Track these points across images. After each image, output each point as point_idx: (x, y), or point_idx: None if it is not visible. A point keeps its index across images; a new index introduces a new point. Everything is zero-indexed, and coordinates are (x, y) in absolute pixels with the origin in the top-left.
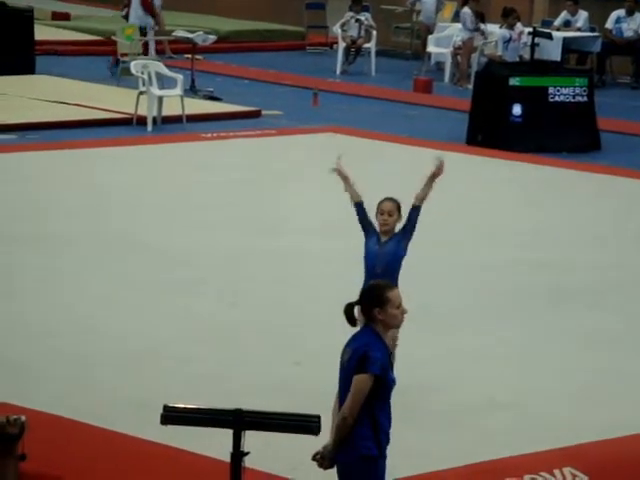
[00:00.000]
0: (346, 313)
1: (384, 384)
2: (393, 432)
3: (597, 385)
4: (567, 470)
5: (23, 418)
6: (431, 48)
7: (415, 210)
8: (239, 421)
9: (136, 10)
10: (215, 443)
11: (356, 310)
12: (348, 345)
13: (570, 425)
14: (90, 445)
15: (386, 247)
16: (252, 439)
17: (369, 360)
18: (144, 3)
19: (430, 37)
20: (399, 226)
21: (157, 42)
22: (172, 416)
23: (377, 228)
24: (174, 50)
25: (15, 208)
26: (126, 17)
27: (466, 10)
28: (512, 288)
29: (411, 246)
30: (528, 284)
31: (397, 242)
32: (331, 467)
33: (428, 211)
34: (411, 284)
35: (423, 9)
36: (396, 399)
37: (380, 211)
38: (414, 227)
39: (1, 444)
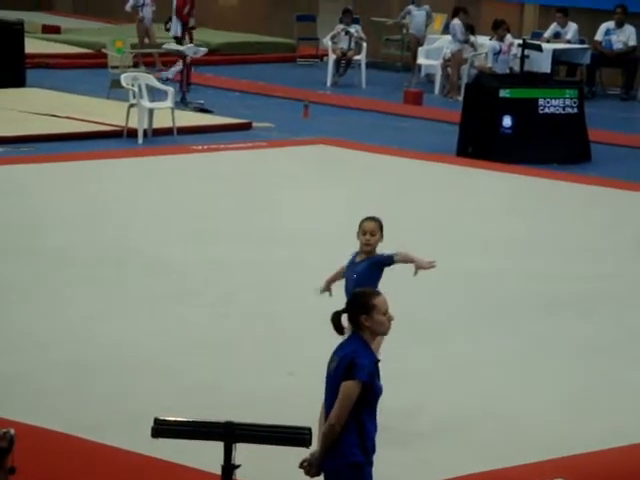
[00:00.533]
0: (333, 321)
1: (371, 391)
2: (381, 441)
3: (589, 395)
4: None
5: (12, 431)
6: (421, 60)
7: (392, 261)
8: (230, 434)
9: (175, 24)
10: (206, 456)
11: (344, 318)
12: (335, 353)
13: (561, 436)
14: (80, 458)
15: (357, 267)
16: (245, 451)
17: (356, 367)
18: (179, 14)
19: (420, 49)
20: (385, 251)
21: (148, 55)
22: (163, 429)
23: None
24: (165, 63)
25: (7, 220)
26: (169, 30)
27: (456, 22)
28: (502, 298)
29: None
30: (517, 294)
31: (368, 266)
32: (318, 475)
33: (419, 222)
34: (398, 293)
35: (413, 22)
36: (386, 408)
37: (362, 231)
38: (383, 266)
39: None
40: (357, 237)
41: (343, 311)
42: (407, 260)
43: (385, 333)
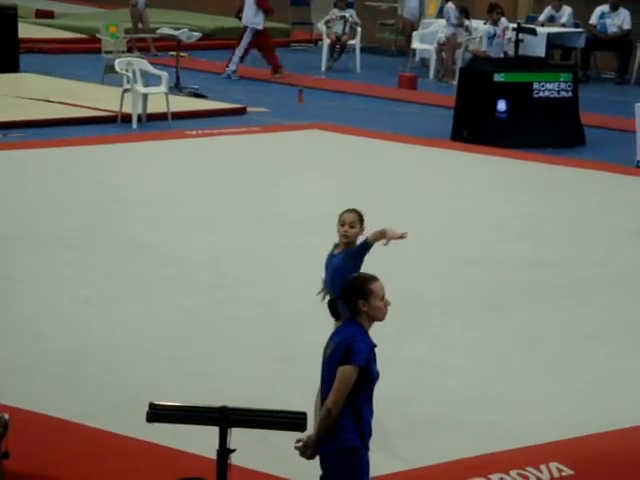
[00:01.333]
0: (330, 307)
1: (368, 376)
2: (378, 426)
3: (585, 381)
4: (553, 465)
5: (6, 416)
6: (416, 44)
7: (367, 245)
8: (225, 418)
9: (247, 11)
10: (202, 440)
11: (340, 304)
12: (331, 339)
13: (557, 420)
14: (75, 443)
15: (335, 259)
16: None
17: (354, 352)
18: (260, 2)
19: (415, 33)
20: (360, 239)
21: (141, 40)
22: (158, 414)
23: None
24: (159, 48)
25: (0, 207)
26: (240, 19)
27: (450, 5)
28: (496, 284)
29: (395, 242)
30: (512, 280)
31: (343, 258)
32: (312, 457)
33: (413, 206)
34: (394, 278)
35: (407, 6)
36: (383, 391)
37: (341, 222)
38: (360, 256)
39: None
40: (337, 229)
41: (339, 296)
42: (378, 236)
43: (382, 319)
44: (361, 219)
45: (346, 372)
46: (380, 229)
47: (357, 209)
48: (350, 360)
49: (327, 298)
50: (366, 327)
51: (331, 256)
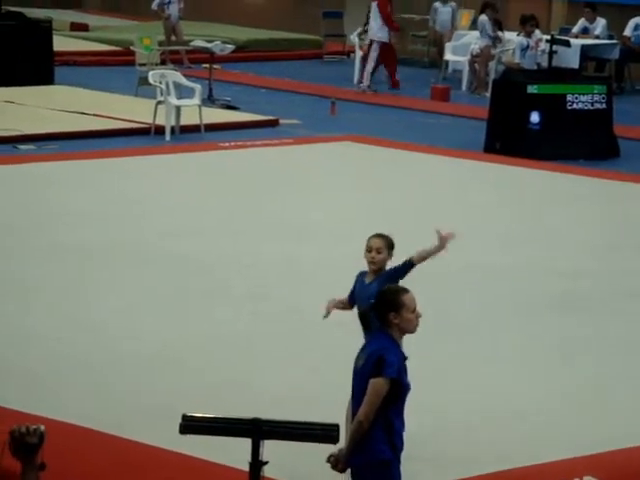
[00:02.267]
0: (361, 318)
1: (399, 388)
2: (412, 438)
3: (618, 393)
4: (587, 479)
5: (42, 427)
6: (448, 56)
7: (410, 264)
8: (257, 430)
9: (373, 25)
10: (234, 452)
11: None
12: (362, 350)
13: (590, 433)
14: (108, 454)
15: (370, 289)
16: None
17: (385, 363)
18: (388, 21)
19: (447, 45)
20: (390, 265)
21: (174, 52)
22: (191, 425)
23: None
24: (192, 60)
25: (33, 218)
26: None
27: (483, 18)
28: (525, 295)
29: (421, 248)
30: (540, 291)
31: (377, 285)
32: (344, 471)
33: (446, 218)
34: (420, 289)
35: (438, 19)
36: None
37: (368, 248)
38: (400, 277)
39: (21, 454)
40: (364, 254)
41: (371, 308)
42: (425, 255)
43: (413, 331)
44: (390, 245)
45: (377, 384)
46: (426, 248)
47: (386, 234)
48: (381, 372)
49: (329, 315)
50: (397, 339)
51: (363, 286)
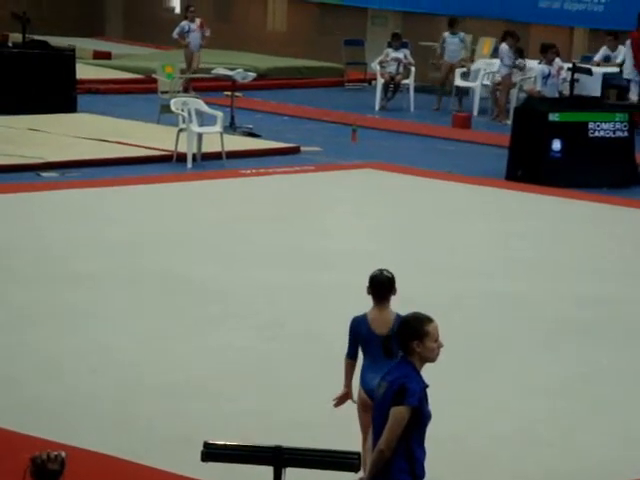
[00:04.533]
0: (384, 345)
1: (421, 416)
2: (431, 466)
3: (637, 424)
4: None
5: (63, 454)
6: (458, 82)
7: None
8: (279, 458)
9: (627, 64)
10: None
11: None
12: (383, 378)
13: (611, 462)
14: None
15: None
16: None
17: (407, 392)
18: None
19: (457, 70)
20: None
21: (196, 79)
22: (213, 453)
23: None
24: (214, 88)
25: (56, 246)
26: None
27: (504, 46)
28: (546, 322)
29: (444, 277)
30: (562, 318)
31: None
32: None
33: (467, 245)
34: (449, 315)
35: (447, 49)
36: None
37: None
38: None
39: None
40: (367, 291)
41: (394, 335)
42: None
43: (434, 360)
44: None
45: (398, 413)
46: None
47: (387, 272)
48: (403, 401)
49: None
50: (418, 367)
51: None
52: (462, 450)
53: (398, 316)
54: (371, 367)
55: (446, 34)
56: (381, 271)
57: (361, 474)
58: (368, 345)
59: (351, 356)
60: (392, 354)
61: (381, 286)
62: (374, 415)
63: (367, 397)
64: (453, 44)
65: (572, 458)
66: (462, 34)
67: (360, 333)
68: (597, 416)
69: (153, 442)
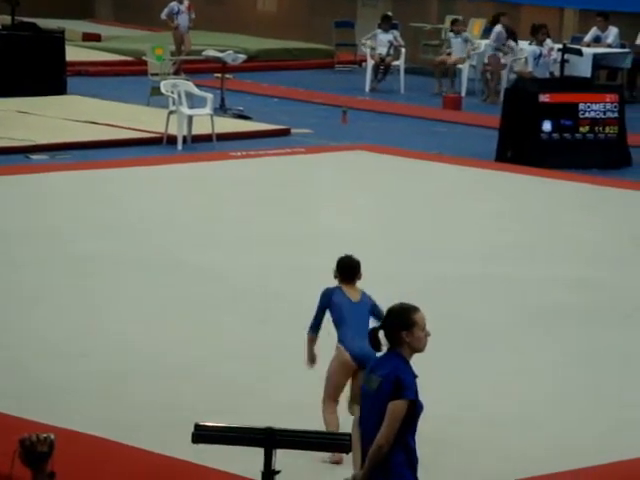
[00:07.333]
0: (371, 337)
1: (416, 408)
2: (425, 451)
3: (630, 406)
4: None
5: (52, 436)
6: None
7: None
8: (270, 440)
9: None
10: (246, 461)
11: (380, 334)
12: (373, 372)
13: (598, 445)
14: (119, 463)
15: (362, 306)
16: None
17: (404, 385)
18: None
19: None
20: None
21: (186, 62)
22: (203, 435)
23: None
24: (204, 70)
25: (46, 229)
26: None
27: (498, 27)
28: (537, 305)
29: (434, 260)
30: (553, 301)
31: (371, 309)
32: None
33: (456, 227)
34: (436, 299)
35: (454, 50)
36: (429, 417)
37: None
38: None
39: (31, 462)
40: (334, 275)
41: (381, 327)
42: None
43: (422, 350)
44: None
45: (398, 406)
46: None
47: (354, 257)
48: (401, 395)
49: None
50: (407, 358)
51: (352, 304)
52: (457, 433)
53: (364, 293)
54: (360, 334)
55: (450, 35)
56: (348, 255)
57: (351, 467)
58: (349, 313)
59: (315, 330)
60: (380, 346)
61: (349, 268)
62: (363, 408)
63: (351, 361)
64: (457, 44)
65: (566, 439)
66: (465, 34)
67: (335, 302)
68: (590, 398)
69: (143, 424)
